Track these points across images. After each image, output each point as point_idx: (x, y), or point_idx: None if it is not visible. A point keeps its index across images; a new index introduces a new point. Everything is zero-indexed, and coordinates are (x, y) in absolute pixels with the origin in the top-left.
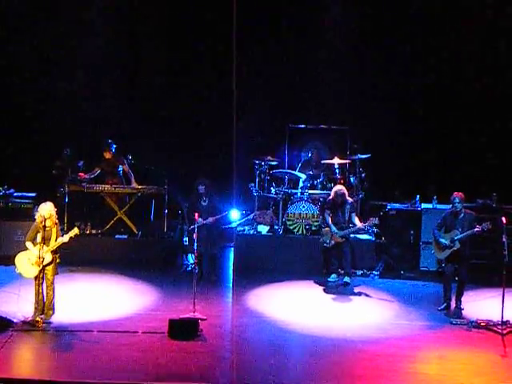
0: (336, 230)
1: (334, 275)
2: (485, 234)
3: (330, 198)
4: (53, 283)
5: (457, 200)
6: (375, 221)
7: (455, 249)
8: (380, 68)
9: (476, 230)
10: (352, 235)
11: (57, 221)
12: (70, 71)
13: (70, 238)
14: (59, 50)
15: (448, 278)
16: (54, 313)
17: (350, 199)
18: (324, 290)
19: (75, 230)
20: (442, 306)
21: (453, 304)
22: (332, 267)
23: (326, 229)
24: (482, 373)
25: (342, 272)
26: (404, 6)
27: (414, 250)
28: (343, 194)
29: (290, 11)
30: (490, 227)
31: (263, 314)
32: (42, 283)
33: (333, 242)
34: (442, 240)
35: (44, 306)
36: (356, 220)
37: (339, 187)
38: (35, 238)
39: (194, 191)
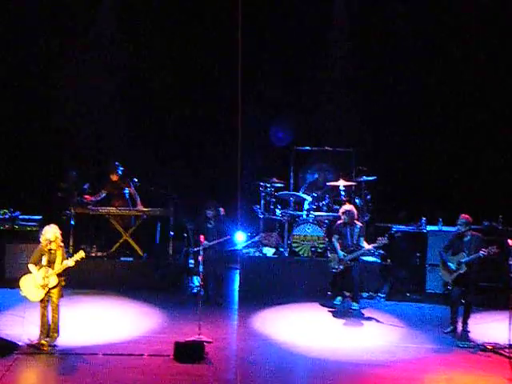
0: (343, 254)
1: (339, 298)
2: (491, 256)
3: (339, 221)
4: (58, 306)
5: (459, 222)
6: (384, 240)
7: (461, 272)
8: (385, 90)
9: (482, 253)
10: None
11: (61, 243)
12: (75, 93)
13: (76, 261)
14: (63, 71)
15: (455, 301)
16: (59, 336)
17: (359, 223)
18: (330, 313)
19: (81, 254)
20: (449, 329)
21: (459, 327)
22: (337, 290)
23: (334, 254)
24: None
25: (348, 295)
26: (411, 27)
27: (420, 272)
28: (351, 211)
29: (296, 32)
30: (497, 251)
31: (269, 336)
32: (47, 306)
33: (341, 266)
34: (450, 264)
35: (49, 329)
36: (364, 244)
37: (347, 206)
38: (39, 260)
39: (201, 213)
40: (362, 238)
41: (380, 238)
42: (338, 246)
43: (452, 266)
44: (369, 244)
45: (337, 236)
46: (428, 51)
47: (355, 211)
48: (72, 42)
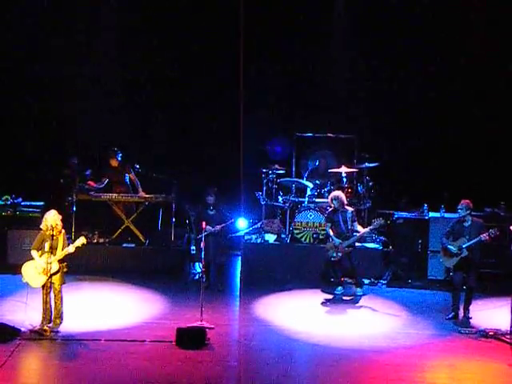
0: (339, 241)
1: (339, 288)
2: (493, 242)
3: (329, 209)
4: (60, 292)
5: (460, 207)
6: (380, 221)
7: (463, 256)
8: (388, 76)
9: (483, 237)
10: (359, 244)
11: (62, 229)
12: (77, 81)
13: (77, 247)
14: (65, 58)
15: (456, 287)
16: (62, 322)
17: (350, 208)
18: (331, 299)
19: (82, 240)
20: (450, 315)
21: (461, 313)
22: (338, 280)
23: (330, 243)
24: (490, 382)
25: (350, 281)
26: (412, 17)
27: (421, 258)
28: (337, 197)
29: (297, 21)
30: (498, 234)
31: (270, 322)
32: (50, 292)
33: (340, 254)
34: (450, 247)
35: (52, 315)
36: (359, 228)
37: (337, 192)
38: (41, 246)
39: (202, 200)
40: (355, 223)
41: (375, 220)
42: (331, 233)
43: (453, 249)
44: (364, 227)
45: (329, 224)
46: (430, 38)
47: (342, 196)
48: (73, 32)
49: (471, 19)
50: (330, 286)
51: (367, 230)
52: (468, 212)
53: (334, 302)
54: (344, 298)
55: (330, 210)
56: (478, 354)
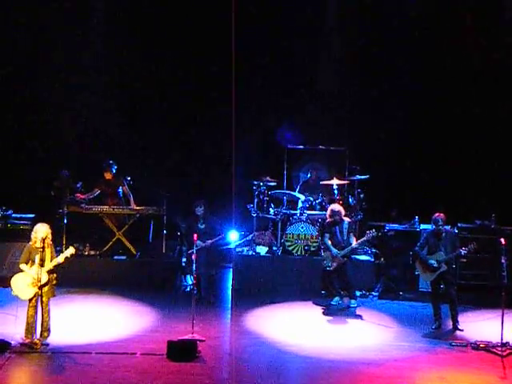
0: (337, 252)
1: (336, 298)
2: (471, 253)
3: (328, 220)
4: (48, 305)
5: (435, 220)
6: (373, 233)
7: (442, 270)
8: (379, 89)
9: (462, 251)
10: (352, 256)
11: (51, 242)
12: (70, 93)
13: (66, 257)
14: (59, 71)
15: (435, 298)
16: (49, 335)
17: (347, 219)
18: (323, 312)
19: (71, 250)
20: (435, 325)
21: (449, 324)
22: (334, 290)
23: (327, 252)
24: None
25: (343, 293)
26: (404, 28)
27: (412, 270)
28: (339, 211)
29: (288, 31)
30: (476, 247)
31: (262, 335)
32: (36, 306)
33: (335, 264)
34: (432, 262)
35: (35, 329)
36: (353, 240)
37: (334, 205)
38: (28, 260)
39: (191, 213)
40: (351, 235)
41: (368, 232)
42: (329, 243)
43: (434, 264)
44: (357, 239)
45: (328, 235)
46: (422, 50)
47: (342, 209)
48: (61, 41)
49: (465, 33)
50: (327, 296)
51: (360, 241)
52: (442, 225)
53: (326, 313)
54: (337, 310)
55: (329, 221)
56: (468, 366)
